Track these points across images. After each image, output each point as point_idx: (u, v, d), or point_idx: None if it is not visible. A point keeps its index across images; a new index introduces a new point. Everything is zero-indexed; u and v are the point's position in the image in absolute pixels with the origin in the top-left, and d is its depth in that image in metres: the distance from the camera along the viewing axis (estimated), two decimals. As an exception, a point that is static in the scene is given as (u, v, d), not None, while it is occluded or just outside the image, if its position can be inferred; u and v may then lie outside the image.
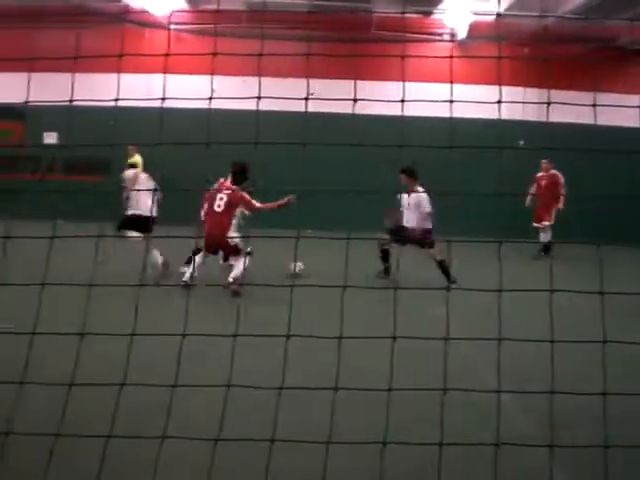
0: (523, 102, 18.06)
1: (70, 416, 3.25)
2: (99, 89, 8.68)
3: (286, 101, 4.01)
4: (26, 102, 3.97)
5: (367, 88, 17.82)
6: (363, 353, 5.41)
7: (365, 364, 5.70)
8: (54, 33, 18.27)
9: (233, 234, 10.43)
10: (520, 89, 18.40)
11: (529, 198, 16.46)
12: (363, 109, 16.50)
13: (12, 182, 19.02)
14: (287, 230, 3.96)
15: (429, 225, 11.68)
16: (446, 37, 20.91)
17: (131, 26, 20.09)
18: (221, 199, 10.48)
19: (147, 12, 18.74)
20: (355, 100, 3.54)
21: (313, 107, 4.66)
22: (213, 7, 19.55)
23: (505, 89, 18.46)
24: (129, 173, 12.64)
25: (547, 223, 16.14)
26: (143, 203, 11.52)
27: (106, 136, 16.23)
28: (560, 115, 15.20)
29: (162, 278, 10.93)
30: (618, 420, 3.91)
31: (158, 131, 3.96)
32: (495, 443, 3.10)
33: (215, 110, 6.51)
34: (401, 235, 11.18)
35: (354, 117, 14.85)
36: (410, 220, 11.71)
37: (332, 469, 3.07)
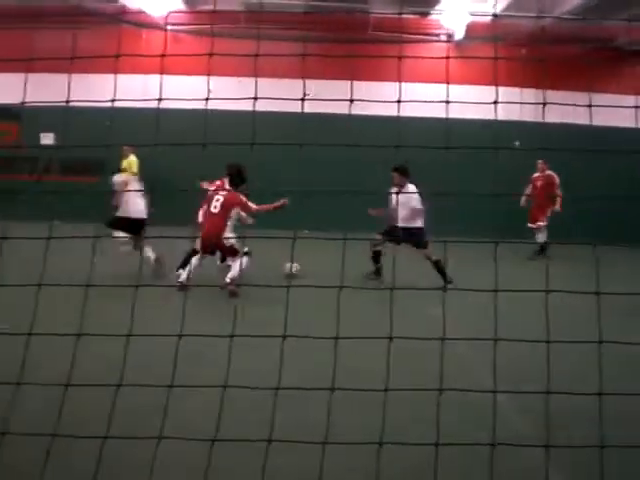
0: (518, 102, 18.04)
1: (67, 416, 3.26)
2: (96, 90, 8.70)
3: (282, 102, 4.02)
4: (22, 103, 3.97)
5: (364, 89, 17.71)
6: (359, 353, 5.41)
7: (361, 364, 5.71)
8: (51, 34, 18.21)
9: (229, 235, 10.43)
10: (517, 90, 18.40)
11: (524, 198, 16.48)
12: (359, 110, 16.46)
13: (8, 183, 19.01)
14: (284, 231, 3.97)
15: (421, 224, 11.63)
16: (443, 38, 20.91)
17: (128, 27, 20.06)
18: (217, 200, 10.50)
19: (144, 13, 18.73)
20: (351, 101, 3.54)
21: (309, 108, 4.67)
22: (210, 8, 19.54)
23: (502, 90, 18.29)
24: (118, 178, 12.61)
25: (542, 224, 16.13)
26: (132, 204, 11.57)
27: (103, 137, 16.20)
28: (556, 116, 15.18)
29: (156, 278, 10.93)
30: (614, 420, 3.92)
31: (154, 132, 3.96)
32: (491, 443, 3.11)
33: (211, 111, 6.52)
34: (394, 235, 11.14)
35: (350, 118, 14.85)
36: (401, 219, 11.66)
37: (328, 469, 3.07)
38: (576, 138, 12.38)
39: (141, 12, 18.99)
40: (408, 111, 13.61)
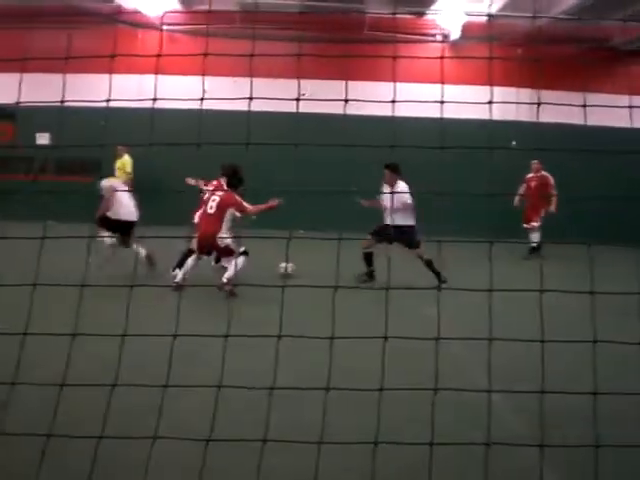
0: (512, 102, 18.07)
1: (62, 416, 3.25)
2: (91, 90, 8.67)
3: (278, 102, 4.02)
4: (17, 103, 3.97)
5: (359, 89, 17.81)
6: (354, 353, 5.42)
7: (356, 364, 5.71)
8: (46, 33, 18.18)
9: (224, 235, 10.42)
10: (513, 89, 18.42)
11: (517, 198, 16.47)
12: (355, 110, 16.49)
13: (4, 183, 18.99)
14: (279, 231, 3.97)
15: (412, 222, 11.61)
16: (439, 38, 20.91)
17: (124, 27, 20.05)
18: (214, 201, 10.49)
19: (140, 13, 18.69)
20: (346, 101, 3.54)
21: (304, 108, 4.66)
22: (206, 8, 19.52)
23: (498, 89, 18.50)
24: (105, 183, 12.54)
25: (535, 224, 16.13)
26: (123, 206, 11.56)
27: (98, 137, 16.19)
28: (552, 115, 15.21)
29: (151, 278, 10.92)
30: (608, 419, 3.93)
31: (149, 132, 3.96)
32: (486, 443, 3.11)
33: (206, 111, 6.51)
34: (385, 235, 11.12)
35: (346, 118, 14.84)
36: (393, 217, 11.65)
37: (324, 469, 3.07)
38: (571, 138, 12.39)
39: (137, 12, 18.96)
40: (403, 111, 13.62)
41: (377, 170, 11.92)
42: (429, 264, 11.29)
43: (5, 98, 7.28)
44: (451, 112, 16.62)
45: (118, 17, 19.62)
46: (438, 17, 20.44)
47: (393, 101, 3.56)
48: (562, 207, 16.03)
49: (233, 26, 17.81)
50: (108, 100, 3.77)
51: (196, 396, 4.84)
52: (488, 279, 3.14)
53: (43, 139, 19.94)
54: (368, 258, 11.75)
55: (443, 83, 4.31)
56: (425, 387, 3.15)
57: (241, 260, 10.19)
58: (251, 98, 3.41)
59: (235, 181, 10.78)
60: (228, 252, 10.41)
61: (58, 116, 14.23)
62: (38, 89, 7.55)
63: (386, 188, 11.66)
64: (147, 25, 19.46)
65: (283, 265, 10.90)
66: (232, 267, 10.21)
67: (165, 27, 20.18)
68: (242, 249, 10.29)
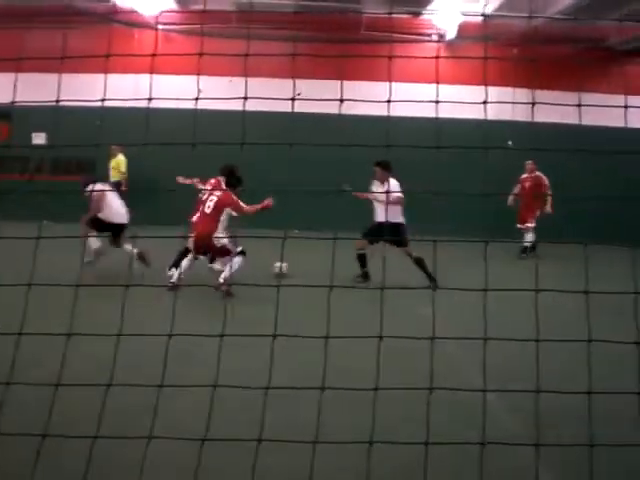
0: (508, 102, 18.09)
1: (57, 416, 3.25)
2: (86, 89, 8.67)
3: (273, 101, 4.02)
4: (13, 102, 3.96)
5: (355, 88, 17.79)
6: (349, 353, 5.42)
7: (351, 364, 5.72)
8: (42, 33, 18.15)
9: (220, 235, 10.41)
10: (509, 89, 18.43)
11: (511, 198, 16.45)
12: (350, 109, 16.50)
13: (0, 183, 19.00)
14: (274, 230, 3.98)
15: (401, 219, 11.59)
16: (435, 38, 20.91)
17: (119, 26, 20.01)
18: (211, 200, 10.48)
19: (136, 12, 18.68)
20: (342, 100, 3.54)
21: (300, 107, 4.67)
22: (201, 7, 19.51)
23: (494, 89, 18.49)
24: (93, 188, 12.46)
25: (530, 225, 16.13)
26: (114, 208, 11.54)
27: (93, 136, 16.19)
28: (547, 115, 15.24)
29: (146, 278, 10.90)
30: (603, 419, 3.94)
31: (144, 131, 3.96)
32: (481, 442, 3.12)
33: (202, 110, 6.52)
34: (377, 234, 11.10)
35: (341, 117, 14.86)
36: (382, 214, 11.63)
37: (319, 469, 3.07)
38: (566, 138, 12.42)
39: (132, 11, 18.94)
40: (399, 111, 13.67)
41: (372, 170, 11.94)
42: (419, 262, 11.26)
43: (0, 98, 7.26)
44: (447, 112, 16.70)
45: (114, 16, 19.56)
46: (434, 17, 20.45)
47: (389, 101, 3.56)
48: (558, 207, 16.05)
49: (229, 26, 17.78)
50: (103, 100, 3.77)
51: (191, 396, 4.84)
52: (483, 279, 3.14)
53: (39, 139, 19.91)
54: (362, 259, 11.73)
55: (439, 83, 4.31)
56: (420, 387, 3.16)
57: (238, 260, 10.18)
58: (246, 98, 3.41)
59: (234, 180, 10.77)
60: (224, 252, 10.40)
61: (54, 116, 14.20)
62: (34, 89, 7.53)
63: (376, 185, 11.67)
64: (143, 24, 19.44)
65: (278, 265, 10.91)
66: (228, 267, 10.20)
67: (161, 27, 20.18)
68: (239, 249, 10.28)
